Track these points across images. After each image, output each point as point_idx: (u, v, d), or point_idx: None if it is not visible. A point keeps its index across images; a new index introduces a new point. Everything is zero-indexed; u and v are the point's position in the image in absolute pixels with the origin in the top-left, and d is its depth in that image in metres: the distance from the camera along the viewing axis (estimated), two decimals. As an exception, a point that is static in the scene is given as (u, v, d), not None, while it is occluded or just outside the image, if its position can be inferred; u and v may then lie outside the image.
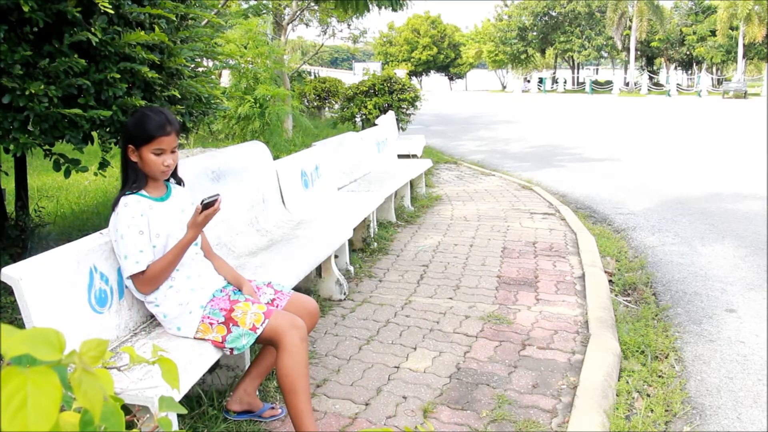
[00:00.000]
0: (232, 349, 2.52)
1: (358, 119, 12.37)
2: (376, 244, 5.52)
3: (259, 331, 2.49)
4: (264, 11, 11.64)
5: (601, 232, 6.01)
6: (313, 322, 2.84)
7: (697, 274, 4.92)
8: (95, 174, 3.92)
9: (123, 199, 2.46)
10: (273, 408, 2.82)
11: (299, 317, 2.64)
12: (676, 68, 52.12)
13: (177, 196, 2.66)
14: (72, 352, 0.60)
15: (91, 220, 5.93)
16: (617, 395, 3.01)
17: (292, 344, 2.47)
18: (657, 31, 48.57)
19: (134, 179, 2.51)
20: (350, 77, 29.39)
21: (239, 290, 2.72)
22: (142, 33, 3.18)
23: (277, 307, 2.75)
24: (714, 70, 49.14)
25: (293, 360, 2.47)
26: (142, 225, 2.43)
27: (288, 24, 14.80)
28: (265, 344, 2.65)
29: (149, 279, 2.46)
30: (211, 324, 2.52)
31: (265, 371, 2.82)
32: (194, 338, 2.53)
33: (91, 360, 0.62)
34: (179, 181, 2.74)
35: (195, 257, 2.67)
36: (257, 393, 2.85)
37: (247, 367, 2.91)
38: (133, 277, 2.46)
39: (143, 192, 2.52)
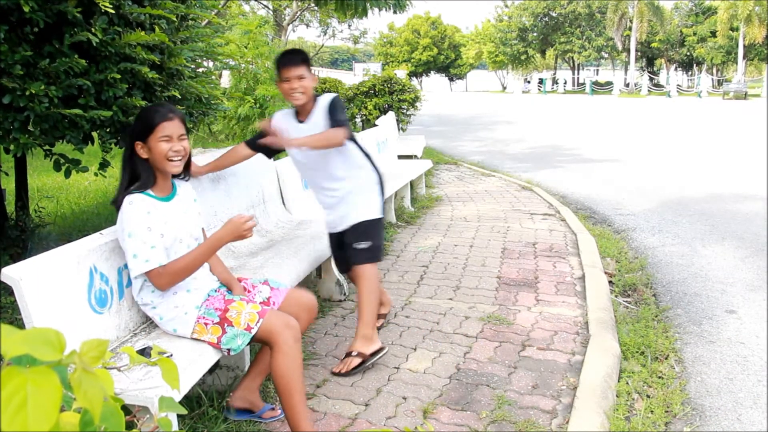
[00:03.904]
0: (228, 349, 2.52)
1: (358, 120, 12.37)
2: (376, 244, 5.51)
3: (253, 331, 2.49)
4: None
5: (601, 233, 6.01)
6: (311, 316, 2.85)
7: (697, 275, 4.92)
8: (95, 174, 3.93)
9: (128, 198, 2.42)
10: (273, 409, 2.82)
11: (296, 313, 2.67)
12: (676, 69, 52.12)
13: (182, 195, 2.65)
14: (72, 352, 0.60)
15: (91, 220, 5.93)
16: (617, 396, 3.01)
17: (285, 344, 2.47)
18: (657, 32, 48.59)
19: (142, 177, 2.48)
20: (350, 78, 29.35)
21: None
22: (143, 33, 3.18)
23: (273, 304, 2.76)
24: (714, 71, 49.15)
25: (288, 360, 2.47)
26: (150, 222, 2.40)
27: (288, 24, 14.80)
28: (261, 344, 2.66)
29: (171, 277, 2.43)
30: (206, 324, 2.51)
31: (265, 370, 2.82)
32: (192, 338, 2.54)
33: (92, 360, 0.62)
34: (186, 176, 2.70)
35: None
36: (259, 392, 2.85)
37: (247, 366, 2.92)
38: (149, 273, 2.40)
39: (148, 191, 2.49)
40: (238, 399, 2.77)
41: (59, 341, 0.59)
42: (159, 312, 2.55)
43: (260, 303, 2.70)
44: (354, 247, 3.35)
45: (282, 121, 3.39)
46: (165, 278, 2.42)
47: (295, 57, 3.28)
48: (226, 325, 2.50)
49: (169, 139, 2.45)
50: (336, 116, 3.20)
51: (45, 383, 0.55)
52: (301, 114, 3.35)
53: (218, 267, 2.80)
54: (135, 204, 2.40)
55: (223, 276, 2.78)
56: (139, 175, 2.49)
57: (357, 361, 3.22)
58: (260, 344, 2.77)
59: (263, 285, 2.83)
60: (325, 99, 3.30)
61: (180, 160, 2.51)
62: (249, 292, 2.79)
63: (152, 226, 2.40)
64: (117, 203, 2.47)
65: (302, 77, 3.20)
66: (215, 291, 2.67)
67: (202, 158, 3.96)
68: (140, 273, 2.39)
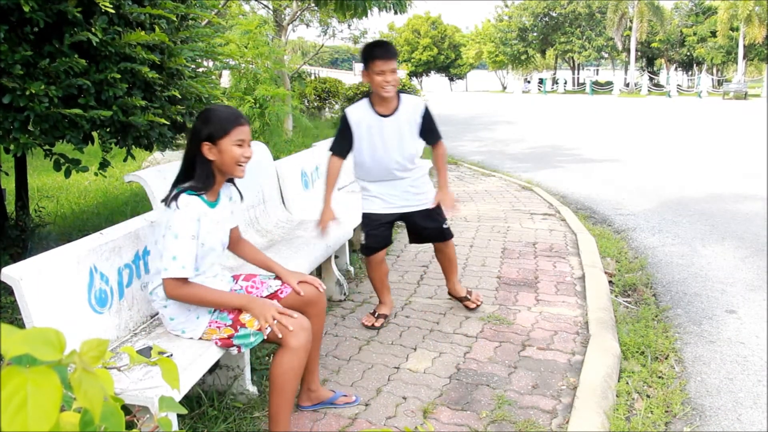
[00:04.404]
0: (239, 346, 2.52)
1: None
2: (376, 244, 5.51)
3: (267, 331, 2.48)
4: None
5: (602, 233, 6.01)
6: (321, 308, 2.84)
7: (697, 275, 4.92)
8: (95, 174, 3.93)
9: (185, 197, 2.39)
10: (346, 396, 2.91)
11: (302, 307, 2.70)
12: (676, 69, 52.11)
13: (222, 203, 2.63)
14: (72, 352, 0.60)
15: (91, 220, 5.93)
16: (617, 396, 3.01)
17: (297, 344, 2.47)
18: (657, 32, 48.58)
19: (202, 178, 2.46)
20: (350, 78, 29.39)
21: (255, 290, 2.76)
22: (143, 33, 3.18)
23: (281, 293, 2.76)
24: (714, 71, 49.14)
25: (294, 361, 2.47)
26: (196, 229, 2.39)
27: (288, 24, 14.79)
28: (272, 343, 2.62)
29: (185, 295, 2.41)
30: (218, 327, 2.52)
31: (312, 361, 2.80)
32: (199, 339, 2.54)
33: (92, 360, 0.62)
34: (239, 195, 2.76)
35: (217, 260, 2.66)
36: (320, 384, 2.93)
37: (246, 366, 2.91)
38: (170, 278, 2.37)
39: (203, 195, 2.47)
40: (305, 399, 2.85)
41: (59, 341, 0.59)
42: (170, 312, 2.54)
43: (268, 296, 2.72)
44: (444, 226, 3.84)
45: (362, 115, 3.57)
46: (177, 292, 2.39)
47: (390, 50, 3.45)
48: (238, 326, 2.50)
49: (242, 144, 2.46)
50: (437, 129, 3.75)
51: (45, 383, 0.55)
52: (381, 107, 3.55)
53: (253, 253, 2.85)
54: (191, 207, 2.38)
55: (261, 262, 2.83)
56: (198, 176, 2.46)
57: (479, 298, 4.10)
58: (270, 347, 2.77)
59: (273, 280, 2.82)
60: (414, 102, 3.64)
61: (245, 165, 2.53)
62: (257, 288, 2.78)
63: (196, 235, 2.40)
64: (169, 197, 2.43)
65: (395, 71, 3.42)
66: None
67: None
68: (172, 276, 2.35)
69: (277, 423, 2.50)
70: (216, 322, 2.52)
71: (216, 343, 2.52)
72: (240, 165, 2.49)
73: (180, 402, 1.81)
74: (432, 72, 62.76)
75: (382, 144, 3.56)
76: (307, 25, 19.92)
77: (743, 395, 3.10)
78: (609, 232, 6.20)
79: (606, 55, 56.08)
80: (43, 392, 0.55)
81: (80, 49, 3.07)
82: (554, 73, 57.75)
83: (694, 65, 50.73)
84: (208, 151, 2.44)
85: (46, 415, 0.53)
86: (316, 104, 18.24)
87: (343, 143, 3.62)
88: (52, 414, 0.54)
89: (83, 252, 2.44)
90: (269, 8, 15.17)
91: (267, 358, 3.38)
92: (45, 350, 0.58)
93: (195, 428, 2.65)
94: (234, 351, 2.56)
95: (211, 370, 2.92)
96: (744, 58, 43.05)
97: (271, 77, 10.13)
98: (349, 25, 21.71)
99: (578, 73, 58.70)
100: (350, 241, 4.96)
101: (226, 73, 11.52)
